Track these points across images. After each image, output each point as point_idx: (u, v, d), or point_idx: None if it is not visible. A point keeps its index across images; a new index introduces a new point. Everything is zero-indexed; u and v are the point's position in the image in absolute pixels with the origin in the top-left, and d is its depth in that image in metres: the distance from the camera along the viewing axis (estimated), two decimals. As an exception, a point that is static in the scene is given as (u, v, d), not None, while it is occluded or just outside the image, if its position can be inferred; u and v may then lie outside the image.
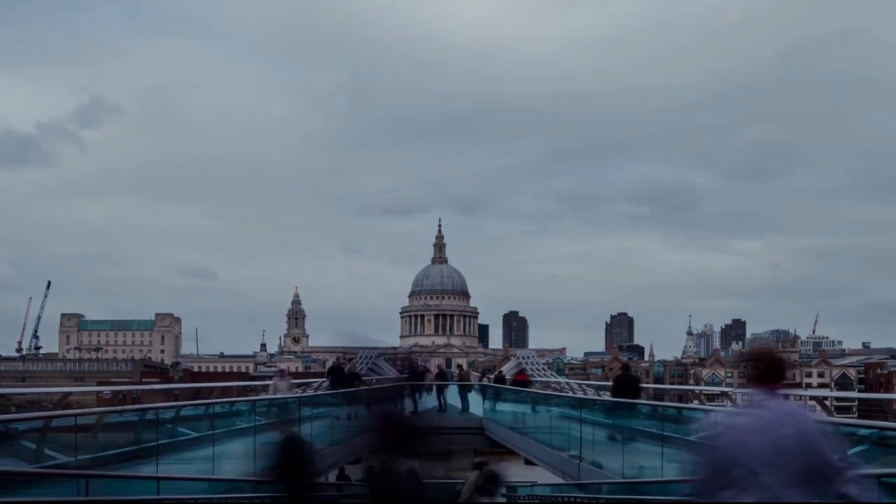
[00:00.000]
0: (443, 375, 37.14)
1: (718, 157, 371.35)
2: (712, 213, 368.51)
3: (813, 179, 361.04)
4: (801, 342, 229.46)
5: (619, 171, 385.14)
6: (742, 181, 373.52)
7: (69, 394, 16.27)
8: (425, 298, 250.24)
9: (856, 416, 67.21)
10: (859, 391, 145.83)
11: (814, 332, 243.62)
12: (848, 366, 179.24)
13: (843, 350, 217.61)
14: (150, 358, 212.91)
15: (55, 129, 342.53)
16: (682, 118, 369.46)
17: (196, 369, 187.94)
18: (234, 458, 14.87)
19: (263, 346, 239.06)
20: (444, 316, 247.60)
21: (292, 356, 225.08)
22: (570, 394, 28.05)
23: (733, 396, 18.49)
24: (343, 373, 28.95)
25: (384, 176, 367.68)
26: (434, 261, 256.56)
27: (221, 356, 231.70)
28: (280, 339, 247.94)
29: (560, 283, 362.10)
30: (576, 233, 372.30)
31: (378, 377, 49.28)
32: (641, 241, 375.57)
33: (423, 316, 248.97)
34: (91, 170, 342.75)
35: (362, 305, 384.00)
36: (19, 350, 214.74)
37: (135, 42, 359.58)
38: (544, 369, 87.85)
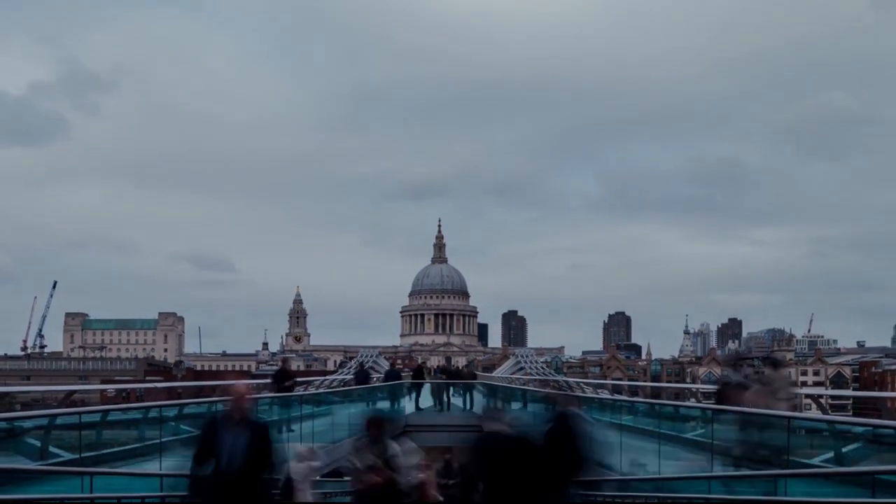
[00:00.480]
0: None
1: (742, 139, 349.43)
2: (731, 199, 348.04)
3: (857, 162, 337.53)
4: (797, 341, 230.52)
5: (634, 156, 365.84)
6: (774, 164, 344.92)
7: (73, 392, 16.35)
8: (425, 298, 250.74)
9: (851, 414, 67.46)
10: (854, 389, 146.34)
11: (809, 331, 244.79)
12: (843, 364, 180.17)
13: (839, 349, 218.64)
14: (153, 356, 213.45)
15: (50, 110, 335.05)
16: (707, 95, 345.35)
17: (199, 368, 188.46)
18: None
19: (265, 344, 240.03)
20: (444, 315, 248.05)
21: (294, 355, 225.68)
22: (568, 392, 28.19)
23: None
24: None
25: (384, 165, 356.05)
26: (434, 260, 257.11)
27: (224, 355, 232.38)
28: (282, 337, 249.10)
29: (560, 281, 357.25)
30: (583, 222, 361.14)
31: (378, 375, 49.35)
32: (653, 230, 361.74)
33: (422, 315, 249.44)
34: (87, 156, 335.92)
35: (364, 305, 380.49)
36: (24, 349, 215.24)
37: (133, 23, 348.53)
38: (543, 368, 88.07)
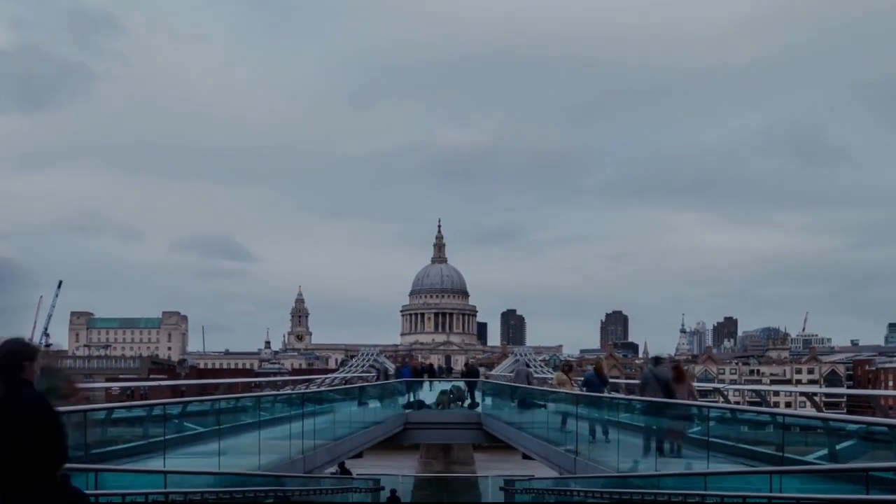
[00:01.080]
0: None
1: (789, 111, 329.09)
2: (764, 178, 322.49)
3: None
4: (792, 340, 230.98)
5: (657, 134, 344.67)
6: (823, 137, 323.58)
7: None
8: (425, 297, 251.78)
9: (844, 411, 67.78)
10: (848, 387, 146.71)
11: (804, 329, 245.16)
12: (837, 363, 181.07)
13: (833, 347, 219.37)
14: (157, 355, 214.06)
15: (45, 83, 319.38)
16: (750, 60, 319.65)
17: (202, 366, 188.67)
18: (239, 453, 15.17)
19: (268, 343, 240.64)
20: (444, 314, 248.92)
21: (296, 353, 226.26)
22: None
23: (725, 392, 18.83)
24: None
25: (387, 150, 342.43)
26: (434, 260, 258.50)
27: (227, 353, 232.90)
28: (284, 336, 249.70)
29: (561, 278, 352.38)
30: (593, 210, 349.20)
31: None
32: (668, 216, 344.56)
33: (423, 314, 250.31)
34: (82, 138, 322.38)
35: (365, 304, 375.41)
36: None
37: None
38: (541, 366, 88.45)
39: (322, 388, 27.26)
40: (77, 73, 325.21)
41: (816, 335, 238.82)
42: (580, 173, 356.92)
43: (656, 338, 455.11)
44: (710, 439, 12.71)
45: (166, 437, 12.62)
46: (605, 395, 17.40)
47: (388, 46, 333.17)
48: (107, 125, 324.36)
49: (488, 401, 30.69)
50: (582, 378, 18.85)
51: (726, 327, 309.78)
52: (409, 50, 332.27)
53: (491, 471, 34.76)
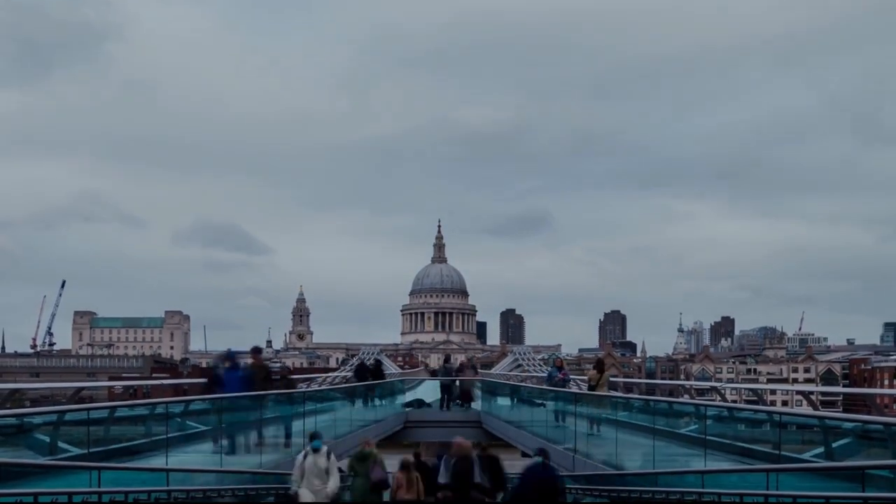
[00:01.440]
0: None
1: (805, 88, 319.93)
2: (768, 171, 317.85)
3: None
4: (788, 339, 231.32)
5: (669, 117, 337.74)
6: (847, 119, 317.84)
7: (82, 389, 16.62)
8: (425, 297, 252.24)
9: (840, 410, 67.99)
10: (844, 386, 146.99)
11: (800, 329, 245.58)
12: (833, 361, 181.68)
13: (829, 346, 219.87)
14: (159, 354, 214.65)
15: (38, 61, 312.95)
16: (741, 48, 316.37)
17: (204, 365, 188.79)
18: (241, 451, 15.26)
19: (269, 342, 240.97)
20: (444, 314, 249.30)
21: (297, 352, 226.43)
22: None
23: (722, 391, 18.94)
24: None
25: (382, 140, 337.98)
26: (434, 260, 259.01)
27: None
28: (285, 335, 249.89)
29: (560, 277, 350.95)
30: (588, 206, 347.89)
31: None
32: (669, 206, 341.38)
33: (423, 314, 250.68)
34: (77, 126, 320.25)
35: (366, 303, 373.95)
36: (34, 346, 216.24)
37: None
38: (540, 365, 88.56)
39: (323, 387, 27.36)
40: (76, 43, 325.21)
41: (813, 334, 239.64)
42: (586, 166, 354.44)
43: (654, 337, 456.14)
44: (708, 437, 12.79)
45: (169, 436, 12.71)
46: (606, 394, 17.50)
47: (390, 37, 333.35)
48: (106, 116, 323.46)
49: (487, 399, 30.81)
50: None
51: (723, 326, 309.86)
52: (411, 39, 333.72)
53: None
